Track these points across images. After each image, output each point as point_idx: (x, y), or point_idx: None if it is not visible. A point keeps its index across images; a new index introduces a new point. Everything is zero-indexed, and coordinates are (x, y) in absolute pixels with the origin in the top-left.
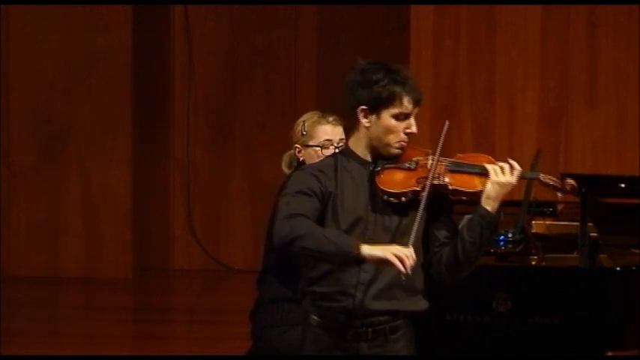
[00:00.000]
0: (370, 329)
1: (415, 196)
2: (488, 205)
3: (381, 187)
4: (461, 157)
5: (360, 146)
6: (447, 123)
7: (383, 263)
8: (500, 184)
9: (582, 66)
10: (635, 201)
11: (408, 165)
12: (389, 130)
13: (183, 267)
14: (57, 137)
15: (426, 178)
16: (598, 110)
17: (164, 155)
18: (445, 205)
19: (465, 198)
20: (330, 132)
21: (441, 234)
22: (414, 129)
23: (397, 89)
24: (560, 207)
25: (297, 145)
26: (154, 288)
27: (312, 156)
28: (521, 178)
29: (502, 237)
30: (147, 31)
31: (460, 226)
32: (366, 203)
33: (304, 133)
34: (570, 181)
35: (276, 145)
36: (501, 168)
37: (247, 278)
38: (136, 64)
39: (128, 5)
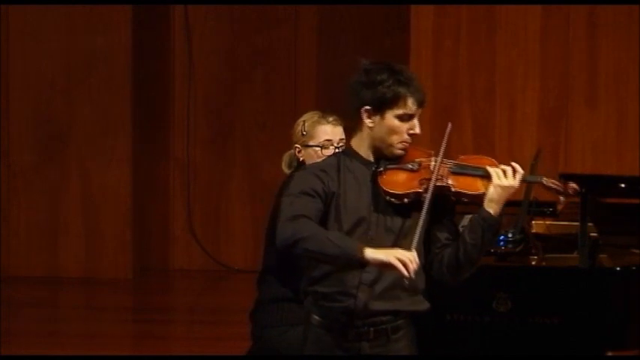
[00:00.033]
0: (372, 329)
1: (417, 198)
2: (491, 208)
3: (384, 188)
4: (463, 159)
5: (362, 146)
6: (449, 125)
7: (386, 267)
8: (503, 187)
9: (582, 66)
10: (635, 201)
11: (410, 166)
12: (392, 131)
13: (183, 267)
14: (57, 137)
15: (429, 179)
16: (598, 110)
17: (164, 155)
18: (447, 206)
19: (466, 200)
20: (330, 132)
21: (443, 235)
22: (417, 130)
23: (402, 90)
24: (559, 207)
25: (297, 145)
26: (154, 288)
27: (312, 156)
28: (523, 181)
29: (502, 237)
30: (147, 31)
31: (460, 226)
32: (369, 203)
33: (304, 133)
34: (573, 184)
35: (276, 145)
36: (504, 171)
37: (247, 278)
38: (136, 64)
39: (128, 5)
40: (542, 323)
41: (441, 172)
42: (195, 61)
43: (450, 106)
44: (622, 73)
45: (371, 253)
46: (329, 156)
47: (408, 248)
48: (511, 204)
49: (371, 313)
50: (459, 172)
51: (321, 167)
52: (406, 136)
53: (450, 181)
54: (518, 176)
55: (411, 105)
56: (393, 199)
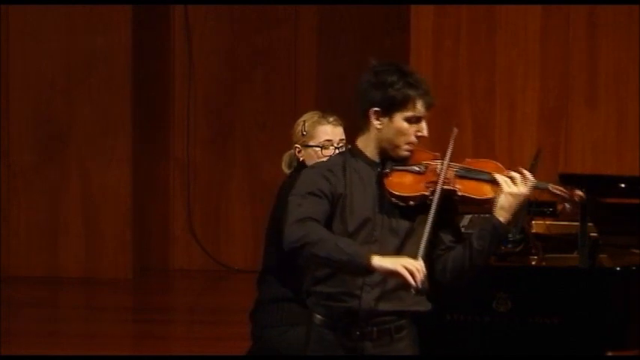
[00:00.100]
0: (375, 329)
1: (423, 200)
2: (501, 216)
3: (390, 190)
4: (469, 163)
5: (369, 146)
6: (455, 130)
7: (393, 275)
8: (514, 195)
9: (582, 66)
10: (635, 201)
11: (417, 168)
12: (400, 133)
13: (183, 267)
14: (57, 137)
15: (435, 182)
16: (598, 110)
17: (164, 155)
18: (452, 209)
19: (472, 204)
20: (330, 132)
21: (447, 238)
22: (425, 132)
23: (411, 92)
24: (559, 207)
25: (297, 145)
26: (154, 288)
27: (312, 156)
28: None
29: None
30: (147, 31)
31: (460, 225)
32: (374, 204)
33: (304, 133)
34: (579, 192)
35: (276, 145)
36: (512, 178)
37: (247, 278)
38: (136, 64)
39: (128, 5)
40: (542, 323)
41: (447, 176)
42: (195, 61)
43: (450, 106)
44: (622, 73)
45: (378, 261)
46: (334, 155)
47: (414, 254)
48: None
49: (375, 313)
50: (466, 175)
51: (328, 167)
52: (413, 138)
53: (456, 185)
54: (529, 184)
55: (420, 107)
56: (398, 201)
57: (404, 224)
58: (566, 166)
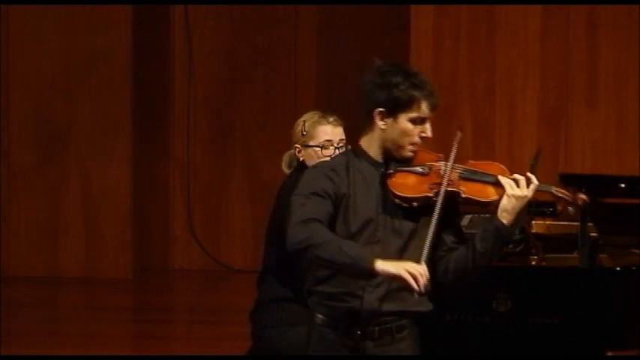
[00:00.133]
0: (377, 328)
1: (426, 202)
2: (504, 218)
3: (393, 191)
4: (473, 165)
5: (372, 147)
6: (459, 133)
7: (396, 279)
8: (517, 198)
9: (582, 66)
10: (635, 201)
11: (421, 169)
12: (405, 134)
13: (183, 267)
14: (57, 137)
15: (439, 184)
16: (598, 110)
17: (164, 155)
18: (455, 210)
19: (474, 206)
20: (330, 132)
21: (449, 239)
22: (429, 133)
23: (416, 93)
24: (559, 207)
25: (297, 145)
26: (154, 288)
27: (312, 156)
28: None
29: None
30: (147, 31)
31: (464, 227)
32: (377, 205)
33: (304, 133)
34: (582, 195)
35: (276, 145)
36: (516, 180)
37: (247, 278)
38: (136, 64)
39: (128, 5)
40: (542, 323)
41: (451, 178)
42: (195, 61)
43: (450, 106)
44: (622, 73)
45: (381, 265)
46: (337, 155)
47: (417, 256)
48: None
49: (376, 313)
50: (469, 177)
51: (331, 167)
52: (417, 139)
53: (460, 187)
54: (532, 187)
55: (424, 108)
56: (401, 202)
57: (407, 225)
58: (566, 166)
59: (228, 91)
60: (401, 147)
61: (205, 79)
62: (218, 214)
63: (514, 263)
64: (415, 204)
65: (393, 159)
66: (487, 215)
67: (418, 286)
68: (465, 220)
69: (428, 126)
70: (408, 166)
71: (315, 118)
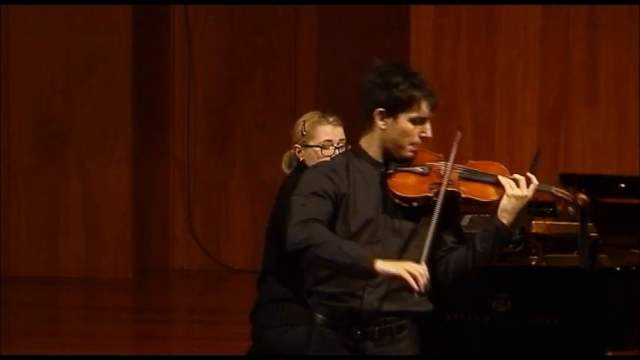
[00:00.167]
0: (377, 328)
1: (426, 202)
2: (504, 218)
3: (393, 191)
4: (473, 165)
5: (372, 147)
6: (459, 134)
7: (396, 279)
8: (517, 198)
9: (582, 66)
10: (635, 201)
11: (421, 169)
12: (405, 134)
13: (183, 267)
14: (57, 137)
15: (439, 184)
16: (598, 110)
17: (164, 155)
18: (455, 210)
19: (476, 206)
20: (330, 132)
21: (449, 239)
22: (429, 133)
23: (416, 94)
24: (559, 207)
25: (297, 145)
26: (154, 288)
27: (312, 156)
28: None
29: None
30: (147, 31)
31: (464, 227)
32: (377, 205)
33: (304, 133)
34: (582, 195)
35: (276, 145)
36: (516, 180)
37: (247, 278)
38: (136, 64)
39: (128, 5)
40: (542, 323)
41: (451, 178)
42: (195, 61)
43: (450, 106)
44: (622, 73)
45: (381, 265)
46: (337, 155)
47: (417, 256)
48: None
49: (377, 313)
50: (470, 177)
51: (331, 167)
52: (417, 139)
53: (460, 187)
54: (532, 187)
55: (424, 109)
56: (401, 202)
57: (407, 225)
58: (566, 166)
59: (228, 91)
60: (401, 147)
61: (205, 79)
62: (218, 214)
63: (514, 263)
64: (415, 204)
65: (393, 159)
66: (487, 215)
67: (418, 286)
68: (465, 220)
69: (428, 126)
70: (408, 166)
71: (315, 118)
